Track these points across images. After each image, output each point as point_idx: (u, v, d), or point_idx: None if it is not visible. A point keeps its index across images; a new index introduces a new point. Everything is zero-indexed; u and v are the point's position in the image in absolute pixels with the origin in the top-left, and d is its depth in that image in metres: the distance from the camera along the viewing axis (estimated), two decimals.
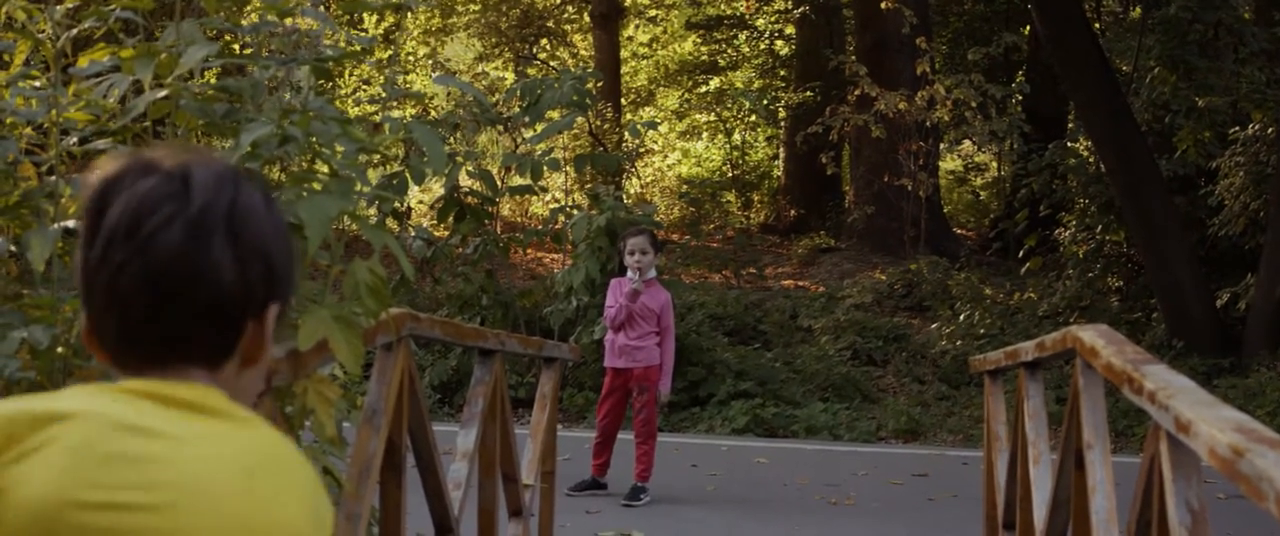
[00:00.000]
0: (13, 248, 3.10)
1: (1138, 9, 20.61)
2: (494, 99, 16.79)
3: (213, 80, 3.43)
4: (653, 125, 17.24)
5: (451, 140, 13.29)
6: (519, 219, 25.26)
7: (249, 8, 3.48)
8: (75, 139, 3.29)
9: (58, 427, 1.60)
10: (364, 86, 23.68)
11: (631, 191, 25.00)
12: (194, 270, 1.65)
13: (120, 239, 1.65)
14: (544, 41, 27.48)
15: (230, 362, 1.73)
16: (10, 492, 1.57)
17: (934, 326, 17.24)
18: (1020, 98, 19.94)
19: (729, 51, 28.71)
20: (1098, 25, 21.07)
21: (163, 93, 3.23)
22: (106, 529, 1.54)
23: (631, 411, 10.04)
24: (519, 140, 17.38)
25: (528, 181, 13.31)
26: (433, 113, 19.68)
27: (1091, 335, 4.02)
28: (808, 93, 23.38)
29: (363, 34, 3.65)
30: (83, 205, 1.72)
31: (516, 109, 13.96)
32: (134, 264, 1.64)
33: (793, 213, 24.81)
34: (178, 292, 1.65)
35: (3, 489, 1.58)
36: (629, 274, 9.87)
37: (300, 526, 1.60)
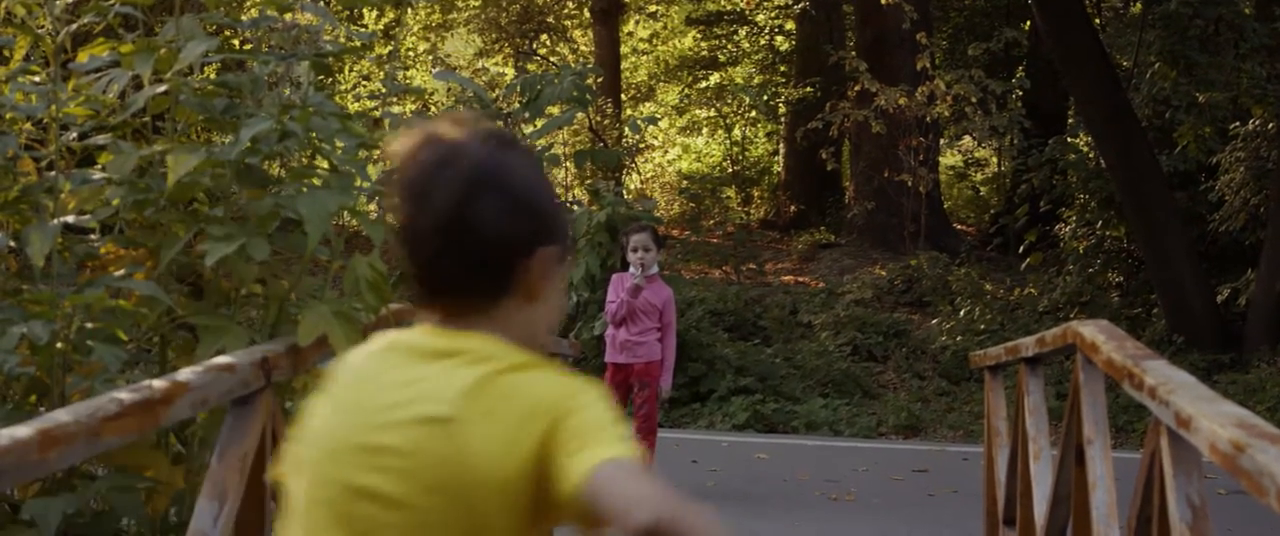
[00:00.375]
0: (12, 243, 3.10)
1: (1138, 4, 20.60)
2: (494, 95, 16.80)
3: (212, 75, 3.42)
4: (653, 121, 17.25)
5: None
6: None
7: (249, 3, 3.48)
8: (75, 134, 3.29)
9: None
10: (364, 82, 23.68)
11: (631, 187, 25.01)
12: (465, 222, 1.98)
13: (410, 199, 2.02)
14: (544, 37, 27.48)
15: (510, 299, 2.03)
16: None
17: (934, 322, 17.24)
18: (1020, 93, 19.91)
19: (729, 47, 28.69)
20: (1098, 20, 21.07)
21: (162, 88, 3.23)
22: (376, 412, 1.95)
23: (632, 407, 10.04)
24: (519, 135, 17.39)
25: None
26: (433, 108, 19.68)
27: (1092, 330, 4.02)
28: (808, 88, 23.37)
29: (363, 29, 3.65)
30: (394, 165, 2.08)
31: (516, 104, 13.95)
32: (420, 219, 2.00)
33: (793, 208, 24.80)
34: (453, 241, 1.99)
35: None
36: (631, 270, 9.86)
37: (544, 391, 1.96)
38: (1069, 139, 19.86)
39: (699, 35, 28.71)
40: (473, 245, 1.99)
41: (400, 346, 2.04)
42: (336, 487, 1.93)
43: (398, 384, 1.97)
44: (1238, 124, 16.77)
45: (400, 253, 2.06)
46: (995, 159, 25.70)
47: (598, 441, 1.93)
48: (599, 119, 23.71)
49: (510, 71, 26.18)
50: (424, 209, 2.00)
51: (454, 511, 1.89)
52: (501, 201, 2.00)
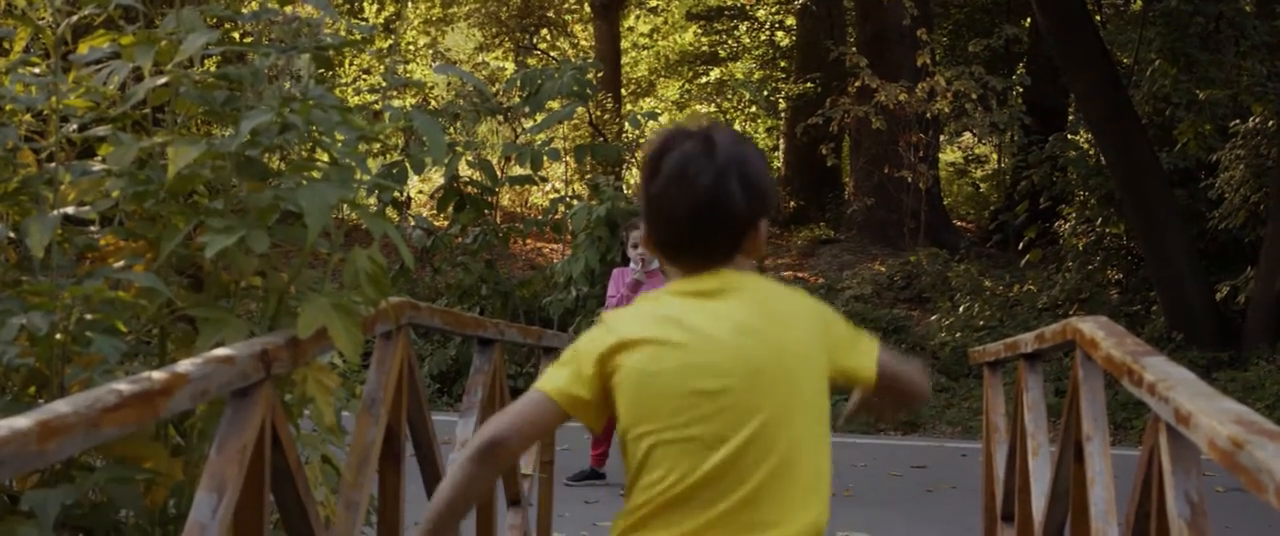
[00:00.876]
0: (12, 234, 3.10)
1: (1139, 1, 20.60)
2: (494, 89, 16.78)
3: (213, 68, 3.42)
4: (653, 116, 17.20)
5: (451, 130, 13.28)
6: (519, 209, 25.25)
7: None
8: (75, 126, 3.29)
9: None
10: (364, 76, 23.67)
11: (631, 182, 24.98)
12: (718, 200, 2.65)
13: (673, 182, 2.66)
14: (544, 31, 27.48)
15: (738, 257, 2.72)
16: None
17: (933, 318, 17.24)
18: (1021, 90, 19.90)
19: (729, 42, 28.68)
20: (1099, 17, 21.05)
21: (163, 80, 3.23)
22: (717, 334, 2.65)
23: None
24: (519, 130, 17.37)
25: (528, 171, 13.31)
26: (433, 103, 19.68)
27: (1091, 327, 4.02)
28: (808, 84, 23.36)
29: (363, 23, 3.65)
30: (645, 157, 2.76)
31: (517, 99, 13.95)
32: (682, 199, 2.66)
33: (792, 204, 24.79)
34: (708, 214, 2.66)
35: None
36: (632, 265, 9.86)
37: (804, 301, 2.80)
38: (1069, 136, 19.86)
39: (699, 30, 28.70)
40: (723, 217, 2.67)
41: (687, 291, 2.73)
42: (692, 378, 2.65)
43: (717, 312, 2.68)
44: (1238, 121, 16.77)
45: (652, 221, 2.75)
46: (995, 155, 25.69)
47: (864, 340, 2.87)
48: (599, 114, 23.71)
49: (510, 66, 26.18)
50: (686, 189, 2.65)
51: (798, 380, 2.69)
52: (743, 184, 2.66)
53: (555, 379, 2.79)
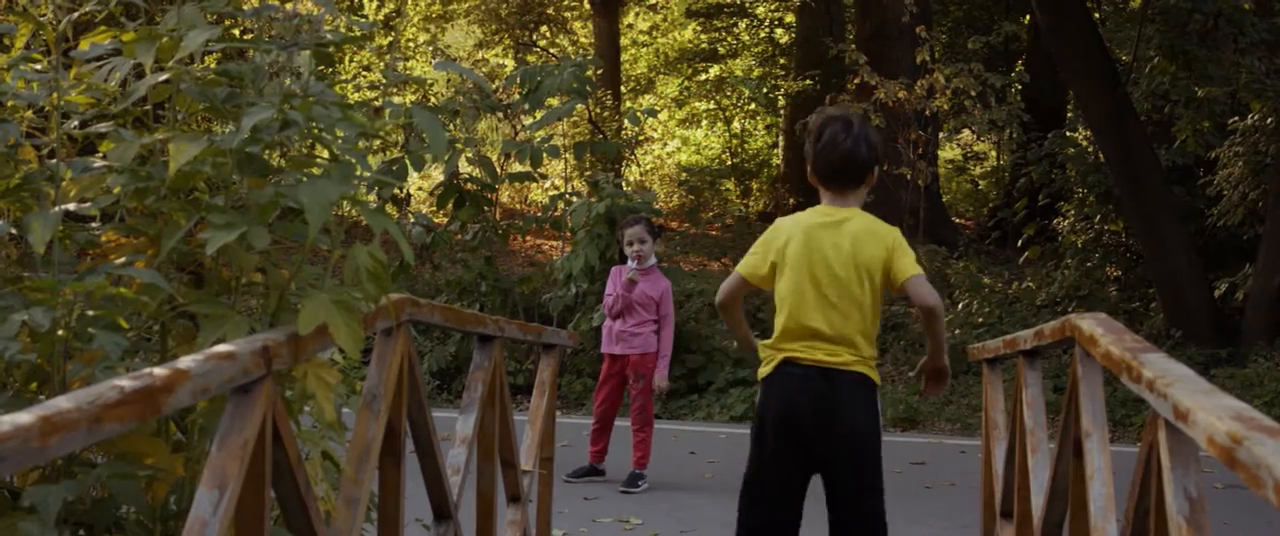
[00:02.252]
0: (13, 230, 3.10)
1: None
2: (494, 86, 16.78)
3: (213, 64, 3.43)
4: (652, 113, 17.24)
5: (451, 127, 13.28)
6: (518, 206, 25.27)
7: None
8: (76, 122, 3.29)
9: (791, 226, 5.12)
10: (364, 73, 23.68)
11: (631, 179, 25.00)
12: (855, 156, 5.07)
13: (829, 144, 5.08)
14: (544, 28, 27.48)
15: (862, 187, 5.12)
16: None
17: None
18: (1020, 87, 19.90)
19: (729, 39, 28.68)
20: (1097, 15, 21.06)
21: (164, 76, 3.23)
22: (827, 240, 5.00)
23: (628, 398, 10.06)
24: (519, 127, 17.38)
25: (527, 168, 13.32)
26: (432, 100, 19.66)
27: (1090, 323, 4.02)
28: (807, 81, 23.37)
29: (363, 19, 3.65)
30: (812, 129, 5.15)
31: (516, 96, 13.95)
32: (835, 154, 5.07)
33: (792, 201, 24.77)
34: (851, 164, 5.07)
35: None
36: (630, 262, 9.88)
37: (884, 233, 5.04)
38: (1068, 133, 19.87)
39: (699, 27, 28.70)
40: (861, 161, 5.09)
41: (823, 212, 5.11)
42: (813, 267, 4.99)
43: (833, 227, 5.04)
44: (1236, 119, 16.77)
45: (817, 165, 5.11)
46: (994, 153, 25.71)
47: (910, 264, 4.99)
48: (598, 111, 23.73)
49: (510, 63, 26.18)
50: (839, 144, 5.04)
51: (862, 275, 4.98)
52: (867, 147, 5.09)
53: (746, 264, 5.26)
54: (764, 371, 5.18)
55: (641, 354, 9.87)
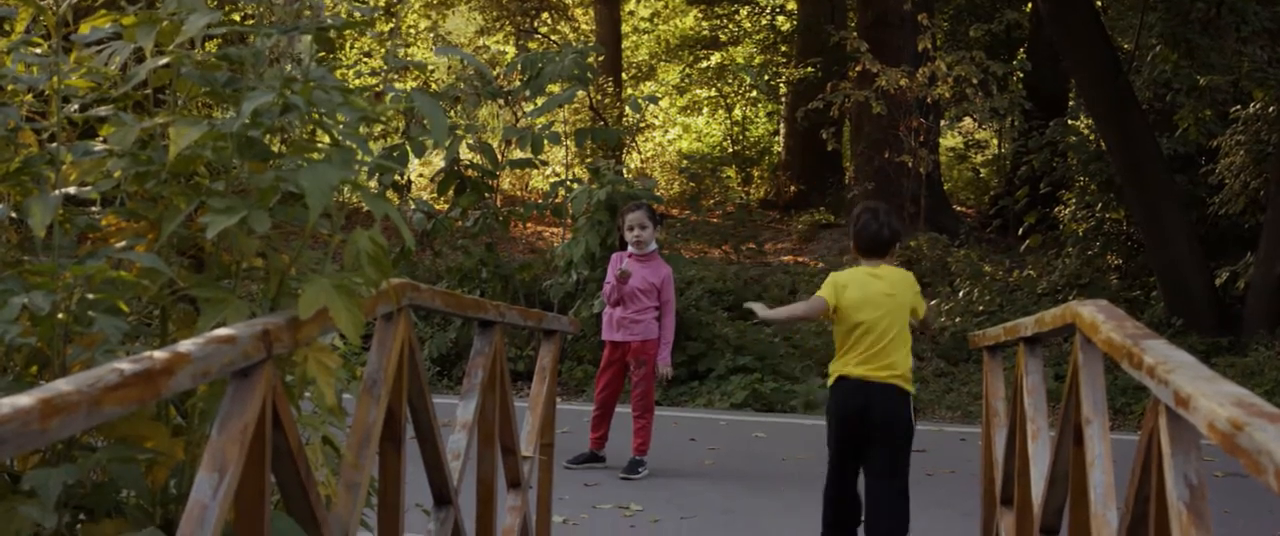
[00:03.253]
0: (14, 214, 3.10)
1: None
2: (495, 73, 16.76)
3: (214, 49, 3.42)
4: (653, 100, 17.23)
5: (452, 113, 13.28)
6: (519, 192, 25.27)
7: None
8: (76, 106, 3.29)
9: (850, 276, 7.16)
10: (365, 59, 23.67)
11: (632, 166, 25.01)
12: (880, 237, 7.14)
13: (864, 228, 7.18)
14: (545, 15, 27.45)
15: (890, 256, 7.23)
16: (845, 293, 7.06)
17: (933, 303, 17.24)
18: (1021, 75, 19.91)
19: (730, 26, 28.67)
20: (1099, 3, 21.03)
21: (164, 60, 3.23)
22: (875, 288, 7.01)
23: (629, 385, 10.06)
24: (520, 114, 17.37)
25: (528, 155, 13.32)
26: (433, 86, 19.65)
27: (1091, 310, 4.02)
28: (809, 68, 23.35)
29: (364, 5, 3.64)
30: (853, 216, 7.45)
31: (517, 82, 13.94)
32: (868, 236, 7.16)
33: (793, 188, 24.80)
34: (878, 243, 7.14)
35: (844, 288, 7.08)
36: (630, 249, 9.88)
37: (910, 282, 7.17)
38: (1069, 121, 19.87)
39: (700, 14, 28.69)
40: (884, 240, 7.14)
41: (867, 271, 7.07)
42: (863, 308, 6.94)
43: (876, 278, 7.03)
44: (1238, 107, 16.76)
45: (859, 242, 7.22)
46: (995, 141, 25.69)
47: (921, 304, 7.17)
48: (599, 97, 23.72)
49: (511, 50, 26.16)
50: (870, 229, 7.12)
51: (899, 310, 6.97)
52: (891, 228, 7.17)
53: (824, 293, 7.07)
54: (830, 382, 7.28)
55: (643, 340, 9.87)
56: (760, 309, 7.61)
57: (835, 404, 7.19)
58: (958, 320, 16.21)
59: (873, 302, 6.92)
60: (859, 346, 6.96)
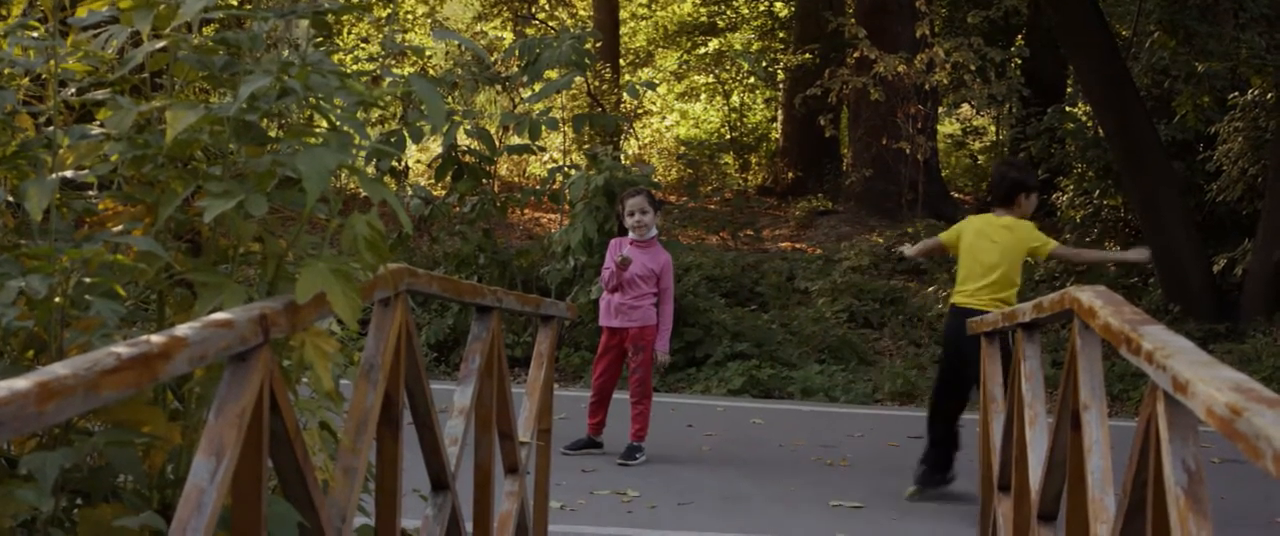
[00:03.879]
0: (10, 198, 3.10)
1: None
2: (493, 58, 16.74)
3: (211, 33, 3.41)
4: (651, 86, 17.18)
5: (449, 99, 13.26)
6: (517, 178, 25.24)
7: None
8: (73, 90, 3.28)
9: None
10: (362, 44, 23.63)
11: (629, 152, 24.98)
12: (1003, 178, 9.12)
13: (992, 174, 10.05)
14: (542, 1, 27.40)
15: (1013, 206, 8.91)
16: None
17: (931, 289, 17.25)
18: (1019, 61, 19.89)
19: (728, 12, 28.63)
20: None
21: (161, 44, 3.22)
22: (994, 236, 8.86)
23: (627, 371, 10.06)
24: (517, 100, 17.34)
25: (526, 141, 13.30)
26: (431, 72, 19.63)
27: (1089, 296, 4.02)
28: (806, 55, 23.32)
29: None
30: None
31: (515, 68, 13.92)
32: (991, 181, 9.55)
33: (790, 175, 24.79)
34: (998, 184, 9.14)
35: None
36: (630, 235, 9.87)
37: (1021, 227, 8.93)
38: (1067, 108, 19.87)
39: (698, 1, 28.64)
40: (1007, 181, 8.99)
41: (989, 217, 8.94)
42: (978, 247, 8.81)
43: (996, 224, 8.87)
44: (1236, 94, 16.77)
45: (995, 191, 9.15)
46: (993, 127, 25.69)
47: (1043, 244, 8.93)
48: (597, 84, 23.69)
49: (509, 35, 26.12)
50: (995, 177, 9.34)
51: (1013, 247, 8.77)
52: (1010, 175, 9.04)
53: (944, 235, 9.19)
54: (946, 308, 9.51)
55: (641, 327, 9.87)
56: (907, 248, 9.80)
57: (945, 327, 9.36)
58: None
59: (989, 241, 8.78)
60: (966, 278, 8.88)
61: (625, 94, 17.80)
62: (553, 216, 20.30)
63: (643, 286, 9.85)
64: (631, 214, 9.87)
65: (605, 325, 10.05)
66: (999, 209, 8.94)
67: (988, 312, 7.74)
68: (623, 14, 28.07)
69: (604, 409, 10.10)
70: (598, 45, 15.78)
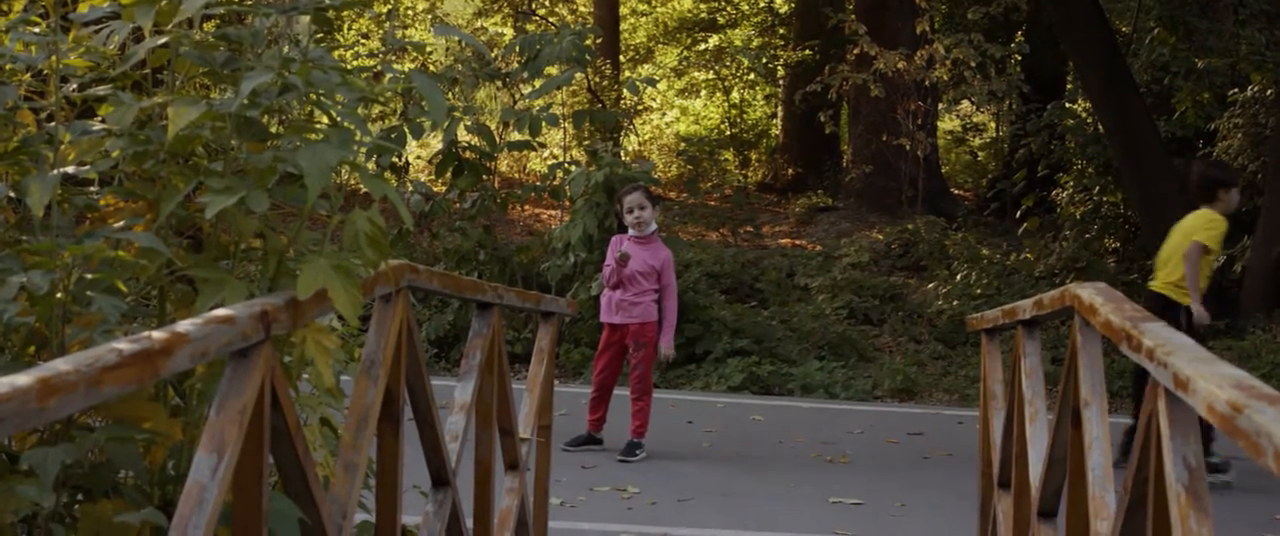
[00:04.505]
0: (12, 194, 3.10)
1: None
2: (494, 54, 16.74)
3: (213, 29, 3.41)
4: (651, 82, 17.18)
5: (450, 95, 13.26)
6: (517, 175, 25.23)
7: None
8: (75, 86, 3.28)
9: None
10: (363, 40, 23.62)
11: (629, 148, 24.97)
12: (1197, 182, 9.96)
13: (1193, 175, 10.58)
14: None
15: (1214, 201, 9.76)
16: None
17: (930, 286, 17.25)
18: (1019, 58, 19.89)
19: (728, 9, 28.61)
20: None
21: (162, 40, 3.22)
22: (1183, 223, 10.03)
23: (627, 367, 10.06)
24: (518, 96, 17.35)
25: (526, 137, 13.29)
26: (431, 68, 19.61)
27: (1090, 292, 4.02)
28: (806, 51, 23.32)
29: None
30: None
31: (515, 64, 13.92)
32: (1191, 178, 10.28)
33: (790, 171, 24.78)
34: (1197, 187, 9.93)
35: None
36: (630, 232, 9.88)
37: (1198, 222, 9.81)
38: (1067, 104, 19.86)
39: None
40: (1206, 179, 9.82)
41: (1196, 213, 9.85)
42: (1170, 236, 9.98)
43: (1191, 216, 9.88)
44: (1236, 90, 16.77)
45: (1197, 190, 10.02)
46: (993, 124, 25.69)
47: (1197, 236, 9.63)
48: (597, 80, 23.67)
49: (509, 31, 26.10)
50: (1198, 176, 9.97)
51: (1184, 241, 9.69)
52: (1203, 174, 9.91)
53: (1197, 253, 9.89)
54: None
55: (641, 323, 9.87)
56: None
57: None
58: (955, 303, 16.20)
59: (1176, 231, 9.89)
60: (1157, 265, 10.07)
61: (625, 90, 17.79)
62: (553, 212, 20.30)
63: (643, 283, 9.85)
64: (630, 211, 9.87)
65: (606, 321, 10.05)
66: (1203, 205, 9.82)
67: (1162, 294, 9.71)
68: (623, 10, 28.05)
69: (604, 405, 10.10)
70: (598, 41, 15.79)
